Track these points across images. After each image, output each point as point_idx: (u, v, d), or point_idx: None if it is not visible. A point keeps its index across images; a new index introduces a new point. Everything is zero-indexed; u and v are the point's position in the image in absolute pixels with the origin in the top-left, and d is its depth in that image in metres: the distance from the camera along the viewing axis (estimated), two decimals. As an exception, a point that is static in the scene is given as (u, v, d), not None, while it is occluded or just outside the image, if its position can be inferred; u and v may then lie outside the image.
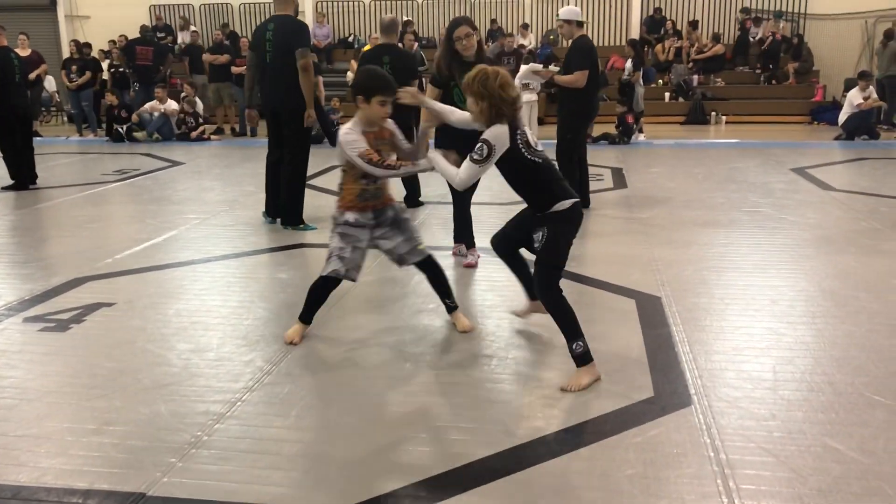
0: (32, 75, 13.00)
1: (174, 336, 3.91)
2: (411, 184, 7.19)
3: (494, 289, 4.66)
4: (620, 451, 2.73)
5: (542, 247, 3.33)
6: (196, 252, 5.67)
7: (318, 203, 7.03)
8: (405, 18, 13.56)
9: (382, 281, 4.79)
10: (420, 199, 7.22)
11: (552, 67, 6.89)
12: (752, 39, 17.03)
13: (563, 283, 3.37)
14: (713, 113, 15.68)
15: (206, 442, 2.83)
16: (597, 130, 12.51)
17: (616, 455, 2.70)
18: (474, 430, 2.90)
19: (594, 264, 5.12)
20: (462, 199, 5.11)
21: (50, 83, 16.26)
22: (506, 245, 3.69)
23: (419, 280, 4.72)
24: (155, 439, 2.86)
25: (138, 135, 13.32)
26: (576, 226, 3.40)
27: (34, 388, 3.33)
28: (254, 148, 12.56)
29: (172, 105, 13.55)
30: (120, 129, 13.40)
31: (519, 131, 3.28)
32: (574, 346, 3.28)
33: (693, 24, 17.32)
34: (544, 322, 3.69)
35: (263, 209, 6.68)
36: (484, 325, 4.04)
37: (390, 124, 3.73)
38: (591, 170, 8.25)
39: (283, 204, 6.33)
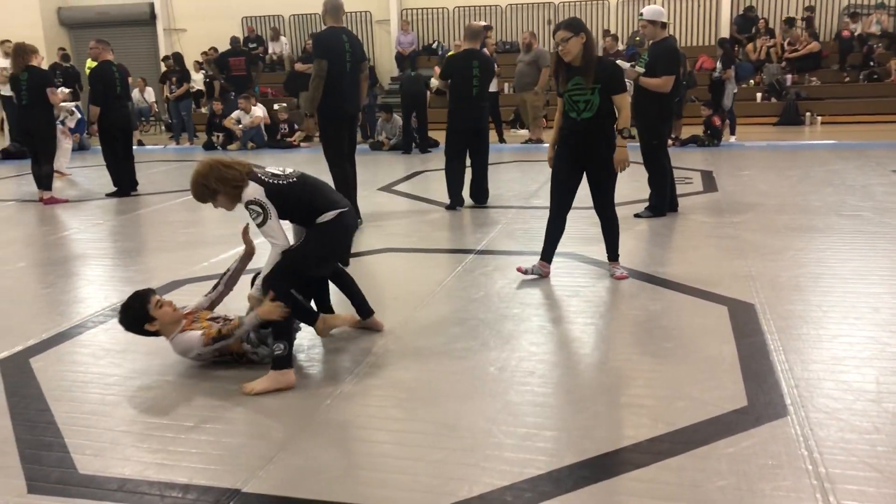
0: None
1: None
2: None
3: (578, 294, 4.61)
4: (712, 461, 2.66)
5: (294, 245, 3.52)
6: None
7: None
8: (484, 23, 13.58)
9: (465, 286, 4.81)
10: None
11: (637, 68, 6.68)
12: (851, 35, 16.31)
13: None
14: (808, 113, 15.09)
15: (299, 438, 2.90)
16: (685, 133, 12.23)
17: (707, 466, 2.63)
18: (559, 437, 2.88)
19: (684, 270, 5.00)
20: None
21: (149, 94, 17.00)
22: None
23: (501, 286, 4.73)
24: (249, 436, 2.95)
25: (231, 147, 13.75)
26: (339, 235, 3.59)
27: (137, 385, 3.49)
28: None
29: (258, 112, 13.94)
30: (214, 139, 13.89)
31: (257, 170, 3.53)
32: (275, 347, 3.37)
33: (789, 22, 16.69)
34: (631, 329, 3.63)
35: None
36: (569, 331, 4.01)
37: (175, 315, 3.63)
38: (679, 173, 8.10)
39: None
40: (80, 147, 13.73)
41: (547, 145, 5.41)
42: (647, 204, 6.80)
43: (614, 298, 4.52)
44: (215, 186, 3.46)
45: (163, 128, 17.99)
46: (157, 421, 3.13)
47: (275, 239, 3.45)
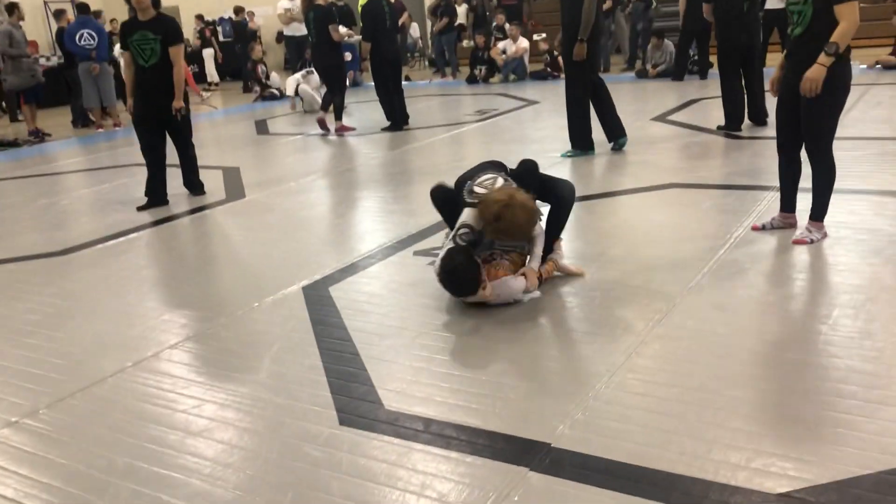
0: (399, 22, 13.97)
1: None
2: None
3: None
4: None
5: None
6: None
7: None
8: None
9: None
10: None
11: None
12: None
13: None
14: None
15: (605, 395, 2.66)
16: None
17: None
18: (810, 461, 2.37)
19: None
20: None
21: (414, 29, 17.41)
22: None
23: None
24: (554, 386, 2.76)
25: (494, 80, 13.71)
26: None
27: (433, 320, 3.44)
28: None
29: (523, 43, 13.70)
30: (476, 73, 13.91)
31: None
32: None
33: None
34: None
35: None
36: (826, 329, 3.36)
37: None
38: None
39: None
40: (353, 83, 14.43)
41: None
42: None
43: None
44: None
45: (426, 63, 18.42)
46: (456, 360, 3.05)
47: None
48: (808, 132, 3.89)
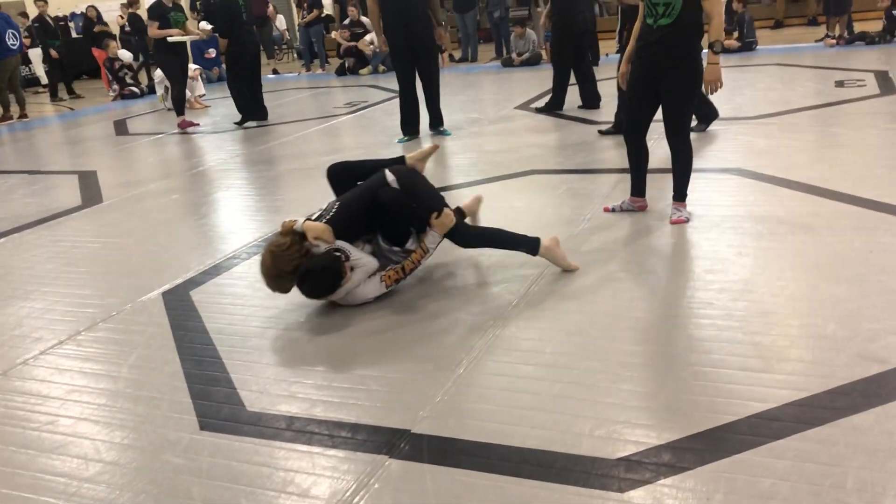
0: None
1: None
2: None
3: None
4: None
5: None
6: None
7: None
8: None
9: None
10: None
11: None
12: None
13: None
14: None
15: (465, 378, 2.76)
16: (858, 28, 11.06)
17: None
18: (648, 426, 2.59)
19: (853, 183, 4.45)
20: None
21: (280, 21, 17.10)
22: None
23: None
24: (413, 373, 2.84)
25: (363, 71, 13.69)
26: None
27: (295, 319, 3.45)
28: (474, 73, 12.49)
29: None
30: (345, 64, 13.83)
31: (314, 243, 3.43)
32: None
33: None
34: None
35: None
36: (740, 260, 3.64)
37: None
38: (849, 75, 7.32)
39: None
40: (219, 78, 14.09)
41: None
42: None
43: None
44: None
45: (295, 55, 18.16)
46: (319, 357, 3.08)
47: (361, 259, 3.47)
48: (672, 120, 4.10)
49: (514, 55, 12.75)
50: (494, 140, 6.93)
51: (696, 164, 4.23)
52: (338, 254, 3.36)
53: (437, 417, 2.53)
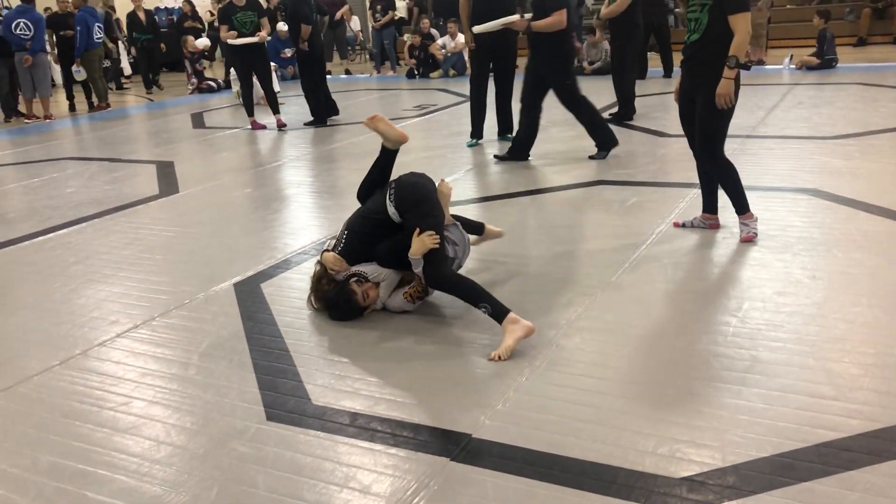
0: (337, 15, 13.99)
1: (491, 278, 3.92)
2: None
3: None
4: None
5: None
6: (506, 185, 5.67)
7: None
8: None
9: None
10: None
11: (525, 16, 6.19)
12: None
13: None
14: None
15: (527, 387, 2.76)
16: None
17: None
18: (712, 447, 2.53)
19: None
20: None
21: (355, 23, 17.33)
22: None
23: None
24: (481, 380, 2.85)
25: (434, 74, 13.78)
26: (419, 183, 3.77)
27: (364, 317, 3.51)
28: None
29: (462, 39, 13.78)
30: (415, 69, 13.95)
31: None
32: (482, 309, 3.12)
33: None
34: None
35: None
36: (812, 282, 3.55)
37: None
38: None
39: None
40: (293, 77, 14.34)
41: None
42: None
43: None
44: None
45: (367, 56, 18.37)
46: (384, 356, 3.13)
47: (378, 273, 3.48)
48: (699, 139, 4.07)
49: (585, 63, 12.65)
50: (561, 148, 6.90)
51: (770, 183, 4.17)
52: (354, 278, 3.42)
53: (499, 424, 2.54)
